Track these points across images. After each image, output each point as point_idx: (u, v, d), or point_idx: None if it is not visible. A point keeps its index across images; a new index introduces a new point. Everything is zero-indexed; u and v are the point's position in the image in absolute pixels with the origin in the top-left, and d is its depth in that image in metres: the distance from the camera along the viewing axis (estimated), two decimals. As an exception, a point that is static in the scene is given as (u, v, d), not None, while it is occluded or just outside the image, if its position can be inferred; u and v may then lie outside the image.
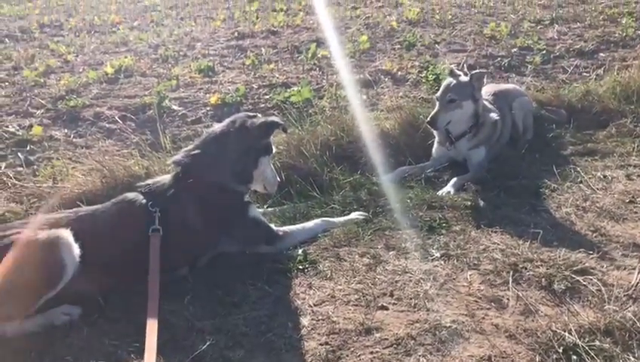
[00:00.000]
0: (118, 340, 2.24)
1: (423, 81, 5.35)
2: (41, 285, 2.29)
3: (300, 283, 2.58)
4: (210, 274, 2.67)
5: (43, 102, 5.19)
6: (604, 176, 3.44)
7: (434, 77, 5.25)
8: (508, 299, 2.37)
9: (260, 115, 2.97)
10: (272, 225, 2.93)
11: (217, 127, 2.95)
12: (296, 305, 2.42)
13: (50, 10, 10.90)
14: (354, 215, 3.14)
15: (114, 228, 2.57)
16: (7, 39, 8.24)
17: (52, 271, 2.30)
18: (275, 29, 8.12)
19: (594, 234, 2.80)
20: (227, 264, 2.75)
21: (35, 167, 3.87)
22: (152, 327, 2.16)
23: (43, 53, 7.26)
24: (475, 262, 2.64)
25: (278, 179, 3.03)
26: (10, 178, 3.60)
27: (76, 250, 2.35)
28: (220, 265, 2.75)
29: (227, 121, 2.94)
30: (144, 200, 2.64)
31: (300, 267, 2.69)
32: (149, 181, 2.86)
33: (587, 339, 2.04)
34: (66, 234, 2.38)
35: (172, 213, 2.64)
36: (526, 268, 2.53)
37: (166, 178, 2.83)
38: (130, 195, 2.70)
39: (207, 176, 2.75)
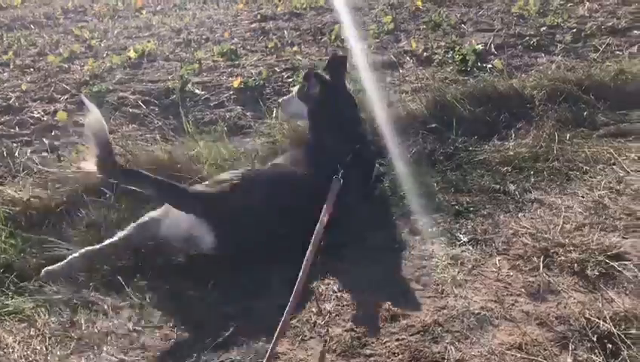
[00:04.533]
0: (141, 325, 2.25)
1: (450, 61, 5.24)
2: None
3: (325, 267, 2.54)
4: (232, 259, 2.64)
5: (67, 87, 5.20)
6: (639, 158, 3.32)
7: (461, 57, 5.15)
8: (539, 285, 2.29)
9: None
10: None
11: None
12: (320, 290, 2.39)
13: (75, -5, 10.94)
14: None
15: None
16: (32, 25, 8.29)
17: None
18: (298, 11, 8.02)
19: (629, 218, 2.69)
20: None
21: (60, 152, 3.87)
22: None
23: (67, 39, 7.29)
24: (504, 248, 2.57)
25: None
26: (36, 163, 3.61)
27: None
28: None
29: None
30: None
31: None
32: None
33: (623, 327, 1.96)
34: None
35: None
36: (557, 254, 2.45)
37: None
38: None
39: None
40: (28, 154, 3.89)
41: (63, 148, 3.98)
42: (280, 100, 3.80)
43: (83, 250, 2.60)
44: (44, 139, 4.11)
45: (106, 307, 2.35)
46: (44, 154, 3.89)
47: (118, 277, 2.51)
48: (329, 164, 2.86)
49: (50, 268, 2.57)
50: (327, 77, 3.37)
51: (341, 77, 3.42)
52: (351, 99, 3.41)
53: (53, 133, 4.25)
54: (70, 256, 2.59)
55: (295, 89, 3.56)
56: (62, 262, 2.58)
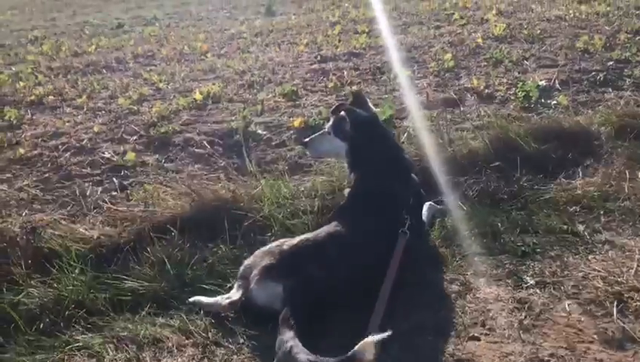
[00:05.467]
0: None
1: (512, 98, 5.17)
2: None
3: (386, 309, 2.50)
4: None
5: (136, 128, 5.43)
6: None
7: (524, 94, 5.07)
8: (613, 331, 2.18)
9: None
10: None
11: None
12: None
13: (144, 41, 11.47)
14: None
15: None
16: (104, 70, 8.74)
17: None
18: (357, 51, 8.14)
19: None
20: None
21: (129, 191, 4.02)
22: None
23: (137, 82, 7.62)
24: (574, 291, 2.47)
25: None
26: (106, 202, 3.75)
27: None
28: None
29: None
30: None
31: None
32: None
33: None
34: None
35: None
36: (632, 298, 2.33)
37: None
38: None
39: None
40: (99, 193, 4.05)
41: (131, 187, 4.12)
42: (306, 140, 3.44)
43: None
44: (114, 179, 4.28)
45: (170, 344, 2.39)
46: (114, 193, 4.03)
47: (182, 315, 2.56)
48: (394, 211, 2.76)
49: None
50: (363, 111, 3.15)
51: (372, 110, 3.28)
52: (390, 133, 3.30)
53: (122, 173, 4.42)
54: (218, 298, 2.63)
55: (328, 125, 3.28)
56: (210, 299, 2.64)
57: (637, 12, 8.50)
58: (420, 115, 4.79)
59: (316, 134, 3.43)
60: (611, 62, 5.91)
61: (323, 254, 2.53)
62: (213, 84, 6.84)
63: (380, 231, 2.66)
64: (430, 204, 3.28)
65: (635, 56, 5.95)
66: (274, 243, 2.70)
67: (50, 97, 7.04)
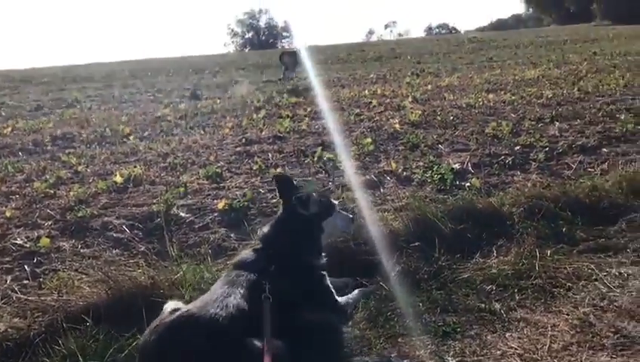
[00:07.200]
0: None
1: (429, 180, 5.40)
2: None
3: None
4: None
5: (52, 213, 5.23)
6: (620, 273, 3.36)
7: (439, 176, 5.32)
8: (531, 409, 2.24)
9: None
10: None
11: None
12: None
13: (64, 123, 11.24)
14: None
15: None
16: (20, 152, 8.46)
17: None
18: (282, 135, 8.32)
19: (615, 336, 2.68)
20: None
21: (41, 279, 3.81)
22: None
23: (54, 165, 7.40)
24: (494, 369, 2.53)
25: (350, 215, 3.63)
26: (15, 292, 3.54)
27: None
28: None
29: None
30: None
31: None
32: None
33: None
34: None
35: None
36: (547, 375, 2.41)
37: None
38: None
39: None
40: (8, 282, 3.82)
41: (44, 275, 3.92)
42: None
43: None
44: (26, 266, 4.06)
45: None
46: (25, 281, 3.82)
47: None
48: (255, 278, 2.73)
49: None
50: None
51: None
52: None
53: (35, 260, 4.20)
54: None
55: None
56: None
57: (538, 101, 9.28)
58: (342, 197, 4.90)
59: None
60: (518, 147, 6.35)
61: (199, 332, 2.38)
62: (135, 166, 6.75)
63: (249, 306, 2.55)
64: (360, 290, 3.38)
65: (539, 141, 6.42)
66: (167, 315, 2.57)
67: (-41, 181, 6.70)
